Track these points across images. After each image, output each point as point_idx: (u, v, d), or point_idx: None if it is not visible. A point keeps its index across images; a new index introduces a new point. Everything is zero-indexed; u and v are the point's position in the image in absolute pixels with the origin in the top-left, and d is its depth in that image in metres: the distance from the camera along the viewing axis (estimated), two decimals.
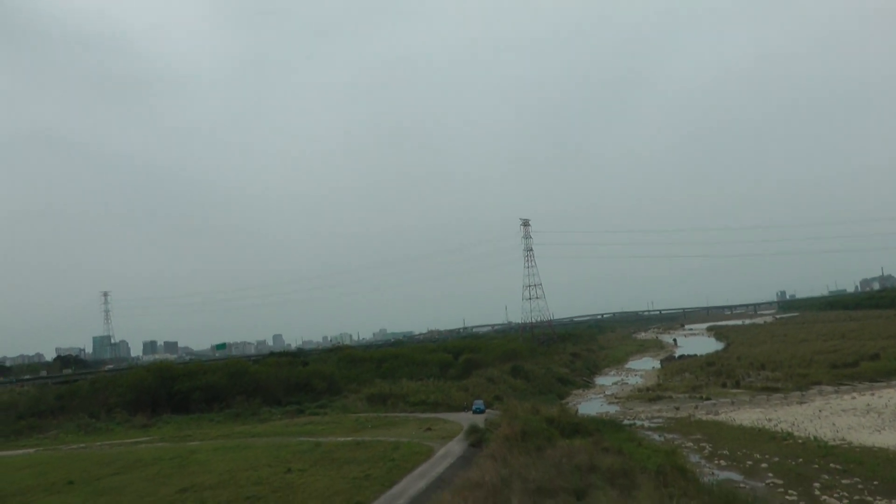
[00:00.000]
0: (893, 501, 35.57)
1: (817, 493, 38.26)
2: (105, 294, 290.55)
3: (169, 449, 56.76)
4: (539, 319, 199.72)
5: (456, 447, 47.66)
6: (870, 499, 36.39)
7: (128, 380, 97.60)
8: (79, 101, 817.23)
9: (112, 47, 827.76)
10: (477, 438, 49.30)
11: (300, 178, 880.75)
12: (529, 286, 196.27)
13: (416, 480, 36.83)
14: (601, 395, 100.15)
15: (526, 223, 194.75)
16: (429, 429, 58.42)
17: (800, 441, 52.86)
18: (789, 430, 57.79)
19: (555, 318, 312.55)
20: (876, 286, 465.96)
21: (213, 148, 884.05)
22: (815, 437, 53.51)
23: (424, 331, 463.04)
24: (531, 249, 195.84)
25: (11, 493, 40.47)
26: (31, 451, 66.28)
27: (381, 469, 39.85)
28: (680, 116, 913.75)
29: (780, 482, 41.21)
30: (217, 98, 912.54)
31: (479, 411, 70.75)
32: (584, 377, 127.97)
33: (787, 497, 38.12)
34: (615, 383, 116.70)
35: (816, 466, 44.29)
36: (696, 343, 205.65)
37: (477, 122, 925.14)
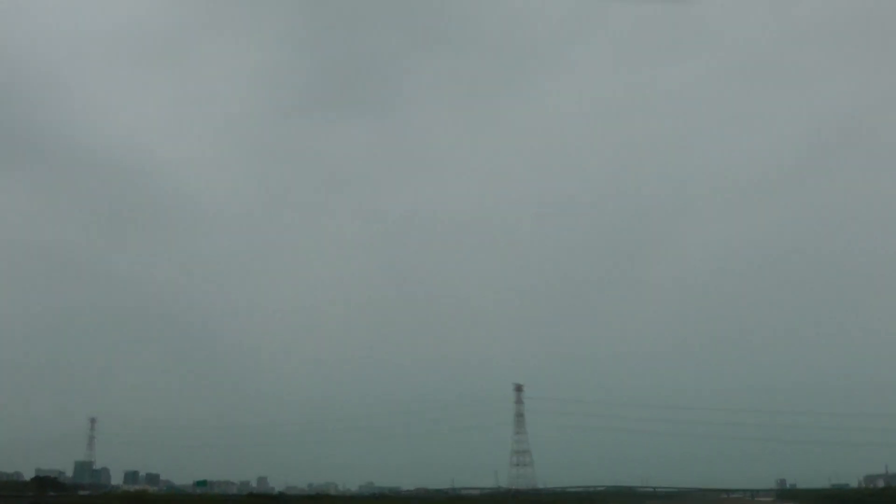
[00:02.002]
0: None
1: None
2: (92, 420, 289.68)
3: None
4: (527, 487, 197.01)
5: None
6: None
7: None
8: (94, 222, 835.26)
9: (136, 175, 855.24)
10: None
11: (302, 320, 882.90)
12: (518, 452, 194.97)
13: None
14: None
15: (519, 388, 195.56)
16: None
17: None
18: None
19: (546, 486, 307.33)
20: (881, 483, 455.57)
21: (222, 285, 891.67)
22: None
23: (412, 487, 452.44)
24: (522, 415, 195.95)
25: None
26: None
27: None
28: (693, 294, 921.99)
29: None
30: (232, 234, 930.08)
31: None
32: None
33: None
34: None
35: None
36: None
37: (483, 279, 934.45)
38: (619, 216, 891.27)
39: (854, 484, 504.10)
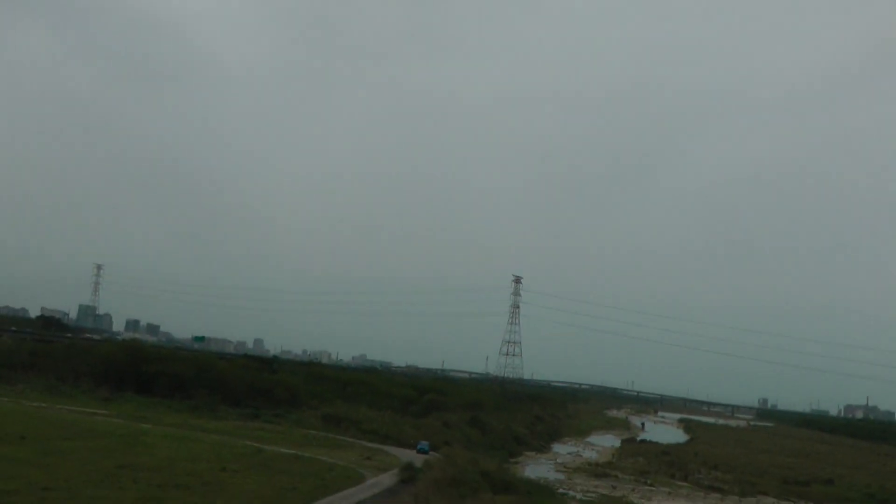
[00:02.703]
0: None
1: None
2: (98, 266, 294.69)
3: (121, 426, 59.22)
4: (514, 376, 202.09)
5: (386, 480, 50.06)
6: None
7: (100, 351, 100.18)
8: (114, 75, 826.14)
9: (162, 27, 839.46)
10: (409, 475, 51.67)
11: (311, 189, 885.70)
12: (509, 342, 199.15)
13: (338, 501, 39.27)
14: (552, 462, 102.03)
15: (518, 280, 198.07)
16: (369, 458, 60.79)
17: None
18: None
19: (533, 378, 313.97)
20: (859, 414, 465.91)
21: (235, 145, 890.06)
22: None
23: (404, 364, 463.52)
24: (518, 307, 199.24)
25: None
26: None
27: (308, 485, 42.32)
28: (697, 206, 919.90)
29: None
30: (251, 97, 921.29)
31: (423, 451, 73.09)
32: (542, 441, 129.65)
33: None
34: (570, 453, 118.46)
35: None
36: (663, 431, 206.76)
37: (492, 171, 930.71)
38: (638, 117, 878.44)
39: (834, 412, 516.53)
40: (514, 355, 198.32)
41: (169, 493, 34.18)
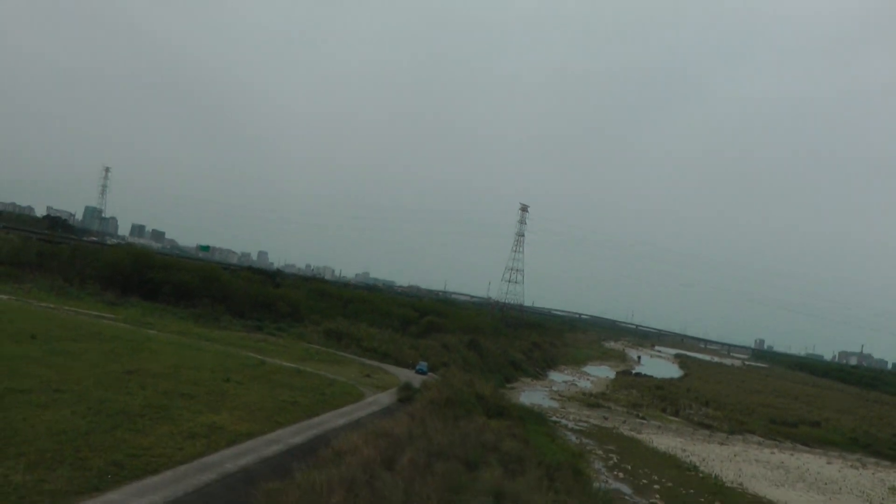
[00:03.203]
0: None
1: None
2: (107, 169, 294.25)
3: (128, 331, 60.24)
4: (514, 303, 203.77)
5: (385, 398, 51.21)
6: None
7: (107, 256, 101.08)
8: None
9: None
10: (406, 395, 52.80)
11: (326, 101, 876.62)
12: (512, 269, 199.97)
13: (337, 417, 40.29)
14: (547, 389, 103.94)
15: (524, 208, 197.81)
16: (368, 375, 62.03)
17: (700, 475, 56.57)
18: (697, 463, 61.52)
19: (533, 305, 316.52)
20: (853, 361, 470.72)
21: (247, 49, 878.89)
22: (716, 476, 57.17)
23: (406, 284, 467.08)
24: (523, 235, 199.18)
25: None
26: (4, 297, 69.77)
27: (309, 399, 43.34)
28: (704, 144, 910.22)
29: None
30: (264, 11, 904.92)
31: (421, 372, 74.56)
32: (539, 368, 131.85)
33: None
34: (565, 382, 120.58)
35: (702, 500, 47.92)
36: (658, 366, 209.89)
37: (508, 95, 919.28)
38: (652, 57, 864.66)
39: (829, 357, 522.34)
40: (516, 282, 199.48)
41: (174, 401, 35.06)
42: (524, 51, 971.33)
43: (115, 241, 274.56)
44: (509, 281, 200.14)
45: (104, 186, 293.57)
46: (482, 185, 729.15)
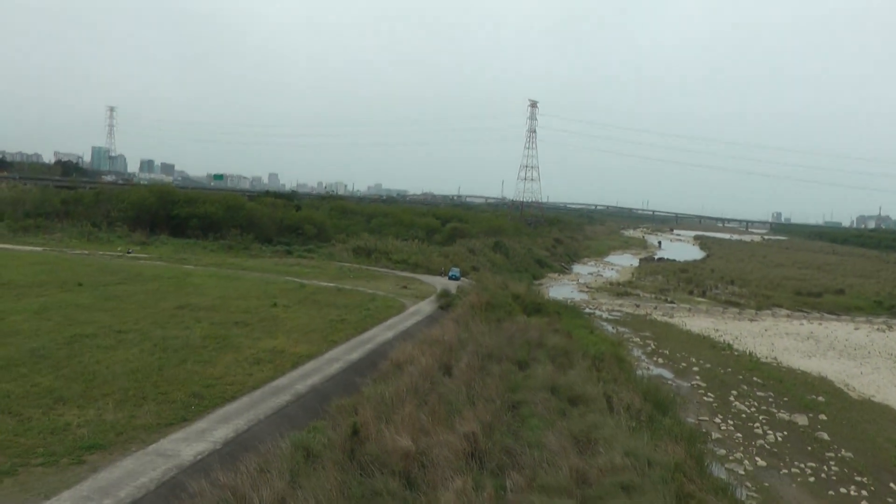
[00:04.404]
0: (793, 415, 40.72)
1: (732, 399, 43.44)
2: (111, 109, 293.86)
3: (166, 269, 61.68)
4: (531, 200, 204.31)
5: (426, 307, 52.61)
6: (774, 410, 41.56)
7: (131, 196, 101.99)
8: None
9: None
10: (446, 302, 54.17)
11: (324, 15, 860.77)
12: (526, 167, 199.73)
13: (385, 330, 41.69)
14: (574, 283, 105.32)
15: (534, 104, 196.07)
16: (405, 287, 63.41)
17: (735, 353, 58.07)
18: (730, 342, 63.02)
19: (549, 201, 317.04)
20: (871, 224, 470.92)
21: None
22: (751, 353, 58.65)
23: (419, 192, 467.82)
24: (534, 131, 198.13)
25: (27, 285, 45.33)
26: (39, 249, 71.20)
27: (356, 315, 44.72)
28: (711, 25, 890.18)
29: (703, 385, 46.37)
30: None
31: (454, 278, 75.80)
32: (563, 263, 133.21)
33: (705, 398, 43.32)
34: (590, 273, 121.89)
35: (741, 377, 49.45)
36: (679, 249, 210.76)
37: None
38: None
39: (847, 223, 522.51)
40: (532, 180, 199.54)
41: (231, 330, 36.40)
42: None
43: (143, 180, 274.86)
44: (525, 179, 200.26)
45: (111, 127, 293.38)
46: (489, 85, 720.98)
